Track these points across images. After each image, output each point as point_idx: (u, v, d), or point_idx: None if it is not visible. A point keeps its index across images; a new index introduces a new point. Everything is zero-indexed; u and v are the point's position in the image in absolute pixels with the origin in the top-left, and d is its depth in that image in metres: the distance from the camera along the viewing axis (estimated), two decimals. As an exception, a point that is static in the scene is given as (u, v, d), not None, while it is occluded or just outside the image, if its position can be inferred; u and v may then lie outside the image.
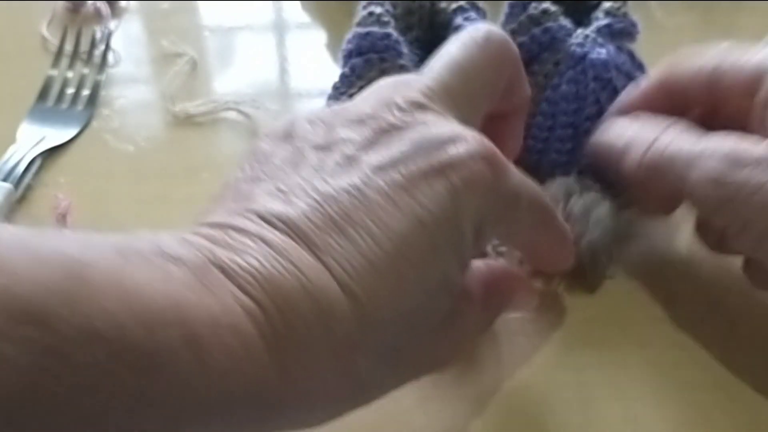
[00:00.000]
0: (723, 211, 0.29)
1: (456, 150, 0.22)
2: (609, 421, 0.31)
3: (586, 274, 0.35)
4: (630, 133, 0.33)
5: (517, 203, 0.24)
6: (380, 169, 0.22)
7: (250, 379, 0.19)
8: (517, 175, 0.24)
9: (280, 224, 0.21)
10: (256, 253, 0.20)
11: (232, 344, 0.19)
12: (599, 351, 0.34)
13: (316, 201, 0.21)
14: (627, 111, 0.36)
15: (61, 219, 0.39)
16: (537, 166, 0.40)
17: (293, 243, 0.20)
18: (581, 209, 0.35)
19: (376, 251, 0.20)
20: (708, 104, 0.34)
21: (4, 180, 0.40)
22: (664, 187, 0.32)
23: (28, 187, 0.41)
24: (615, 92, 0.38)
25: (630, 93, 0.36)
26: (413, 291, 0.21)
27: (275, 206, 0.21)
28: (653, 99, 0.35)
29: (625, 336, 0.34)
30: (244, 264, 0.20)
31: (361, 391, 0.23)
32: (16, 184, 0.40)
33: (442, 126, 0.23)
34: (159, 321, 0.18)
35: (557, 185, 0.36)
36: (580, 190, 0.36)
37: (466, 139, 0.23)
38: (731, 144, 0.29)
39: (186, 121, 0.45)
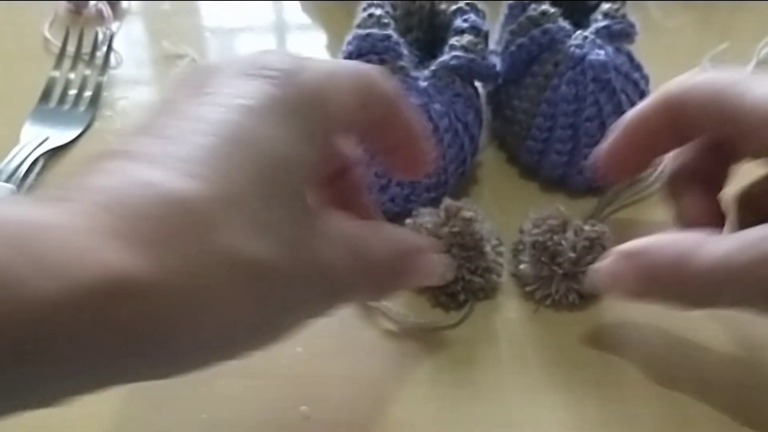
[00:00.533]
0: None
1: (265, 56, 0.26)
2: (607, 420, 0.32)
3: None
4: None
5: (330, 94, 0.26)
6: (210, 90, 0.25)
7: (108, 267, 0.19)
8: (320, 71, 0.26)
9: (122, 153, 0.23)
10: (102, 180, 0.22)
11: (80, 244, 0.19)
12: (598, 350, 0.34)
13: (149, 127, 0.24)
14: (627, 137, 0.33)
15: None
16: (537, 167, 0.41)
17: (134, 164, 0.22)
18: (569, 245, 0.35)
19: (209, 140, 0.22)
20: (719, 128, 0.31)
21: (7, 181, 0.40)
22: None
23: (31, 188, 0.41)
24: (614, 93, 0.38)
25: (630, 116, 0.33)
26: (257, 159, 0.23)
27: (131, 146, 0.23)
28: (655, 124, 0.32)
29: (625, 336, 0.35)
30: (88, 184, 0.21)
31: (247, 272, 0.22)
32: (19, 185, 0.40)
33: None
34: None
35: (555, 213, 0.35)
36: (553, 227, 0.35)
37: (274, 51, 0.27)
38: None
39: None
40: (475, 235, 0.35)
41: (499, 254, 0.37)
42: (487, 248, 0.36)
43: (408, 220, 0.36)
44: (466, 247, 0.35)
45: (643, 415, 0.32)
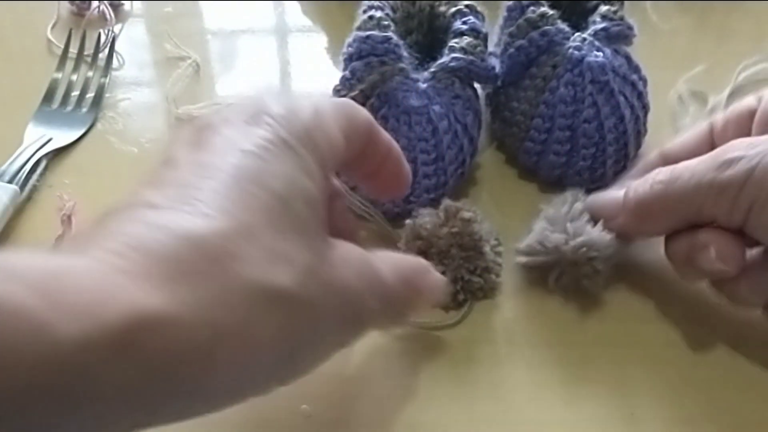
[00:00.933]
0: (748, 187, 0.30)
1: (255, 104, 0.27)
2: (606, 418, 0.32)
3: (582, 283, 0.35)
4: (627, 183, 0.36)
5: (318, 129, 0.27)
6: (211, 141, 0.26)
7: (132, 306, 0.20)
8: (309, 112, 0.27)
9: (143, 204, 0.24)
10: (119, 227, 0.23)
11: (103, 287, 0.20)
12: (596, 349, 0.34)
13: (168, 182, 0.25)
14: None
15: (66, 220, 0.39)
16: (535, 168, 0.41)
17: (149, 212, 0.23)
18: (583, 215, 0.36)
19: (216, 183, 0.24)
20: None
21: (10, 181, 0.40)
22: (676, 202, 0.33)
23: (34, 189, 0.41)
24: (612, 95, 0.38)
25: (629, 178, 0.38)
26: (261, 195, 0.24)
27: (145, 196, 0.24)
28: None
29: (623, 334, 0.35)
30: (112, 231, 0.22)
31: (266, 300, 0.23)
32: (22, 186, 0.41)
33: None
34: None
35: (569, 194, 0.37)
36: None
37: (270, 98, 0.28)
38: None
39: (189, 122, 0.46)
40: (474, 236, 0.35)
41: (498, 254, 0.37)
42: (486, 248, 0.36)
43: (407, 221, 0.36)
44: (465, 247, 0.35)
45: (644, 413, 0.32)
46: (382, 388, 0.33)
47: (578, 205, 0.36)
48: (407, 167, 0.32)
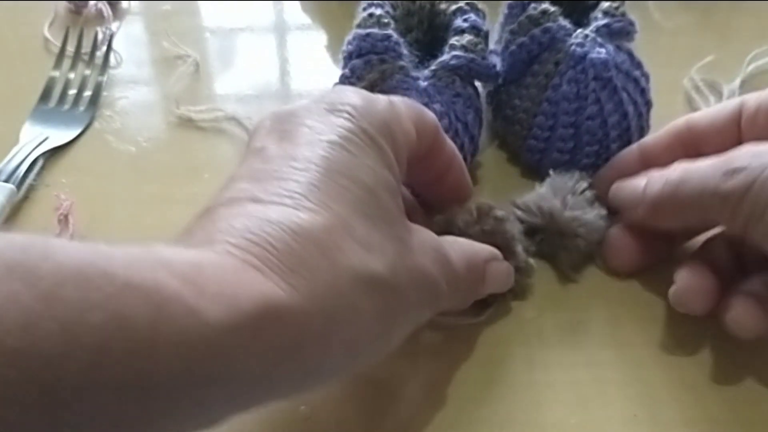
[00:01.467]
0: (746, 200, 0.30)
1: (335, 94, 0.29)
2: (607, 420, 0.32)
3: (559, 253, 0.36)
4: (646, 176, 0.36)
5: (395, 119, 0.29)
6: (296, 133, 0.28)
7: (262, 296, 0.22)
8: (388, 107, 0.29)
9: (244, 199, 0.25)
10: (234, 222, 0.24)
11: (234, 278, 0.22)
12: (597, 350, 0.34)
13: (266, 177, 0.26)
14: (615, 173, 0.38)
15: (64, 219, 0.39)
16: (538, 166, 0.41)
17: (255, 206, 0.25)
18: (589, 196, 0.37)
19: (311, 176, 0.26)
20: (686, 154, 0.35)
21: (7, 180, 0.40)
22: (684, 205, 0.33)
23: (31, 188, 0.41)
24: (615, 91, 0.38)
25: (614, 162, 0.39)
26: (352, 187, 0.26)
27: (242, 192, 0.26)
28: (633, 164, 0.38)
29: (623, 336, 0.35)
30: (226, 228, 0.24)
31: (367, 287, 0.25)
32: (19, 185, 0.40)
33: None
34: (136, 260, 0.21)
35: (576, 173, 0.38)
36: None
37: (349, 89, 0.30)
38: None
39: (187, 122, 0.45)
40: (506, 234, 0.34)
41: (531, 255, 0.36)
42: (519, 248, 0.35)
43: (438, 217, 0.35)
44: (496, 246, 0.34)
45: (645, 414, 0.32)
46: (383, 389, 0.33)
47: (583, 183, 0.37)
48: (469, 179, 0.35)
